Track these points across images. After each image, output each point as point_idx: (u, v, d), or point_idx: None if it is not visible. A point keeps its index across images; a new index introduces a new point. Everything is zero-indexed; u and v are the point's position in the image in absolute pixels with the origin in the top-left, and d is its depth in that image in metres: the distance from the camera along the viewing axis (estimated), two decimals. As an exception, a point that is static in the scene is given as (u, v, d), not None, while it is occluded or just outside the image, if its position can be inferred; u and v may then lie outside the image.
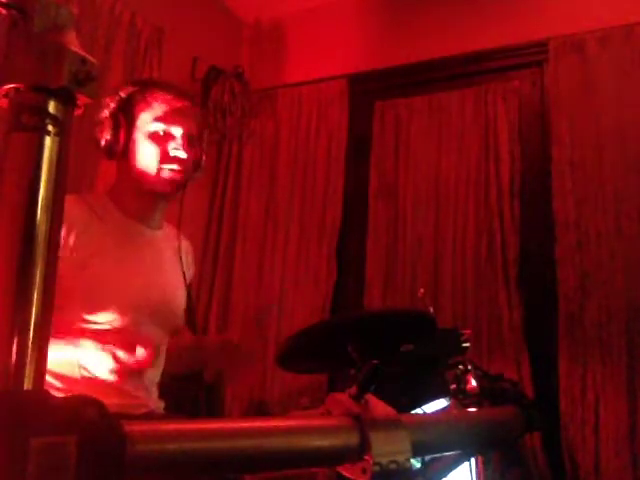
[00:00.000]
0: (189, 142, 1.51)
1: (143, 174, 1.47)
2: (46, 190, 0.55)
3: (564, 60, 2.64)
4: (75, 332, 1.34)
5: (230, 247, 3.15)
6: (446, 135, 2.86)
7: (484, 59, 2.86)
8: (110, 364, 1.32)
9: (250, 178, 3.22)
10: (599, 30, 2.59)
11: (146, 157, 1.46)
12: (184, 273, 1.58)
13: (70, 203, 1.40)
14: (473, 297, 2.63)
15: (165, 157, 1.47)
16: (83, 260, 1.36)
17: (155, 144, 1.46)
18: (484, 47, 2.83)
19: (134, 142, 1.46)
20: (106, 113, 1.46)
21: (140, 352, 1.31)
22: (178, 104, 1.50)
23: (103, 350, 1.31)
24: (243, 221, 3.17)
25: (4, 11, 0.55)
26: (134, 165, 1.47)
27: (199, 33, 3.07)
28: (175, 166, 1.48)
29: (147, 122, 1.46)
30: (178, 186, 1.50)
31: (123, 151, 1.45)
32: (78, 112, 0.59)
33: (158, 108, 1.47)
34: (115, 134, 1.44)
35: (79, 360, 1.35)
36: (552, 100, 2.65)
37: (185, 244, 1.66)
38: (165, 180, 1.48)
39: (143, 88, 1.49)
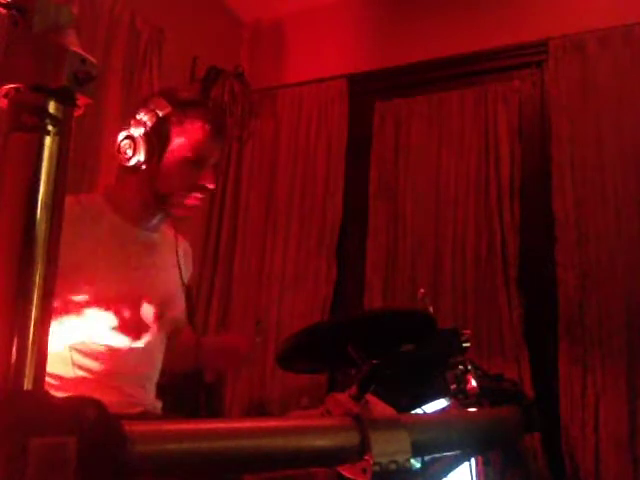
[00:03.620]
0: (215, 170, 1.51)
1: (166, 195, 1.46)
2: (46, 190, 0.55)
3: (564, 60, 2.64)
4: (77, 305, 1.30)
5: (230, 247, 3.15)
6: (446, 135, 2.86)
7: (484, 59, 2.86)
8: (113, 321, 1.25)
9: (250, 178, 3.22)
10: (599, 30, 2.59)
11: (175, 182, 1.45)
12: (182, 275, 1.57)
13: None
14: (473, 297, 2.62)
15: (193, 185, 1.47)
16: (74, 264, 1.32)
17: (184, 170, 1.45)
18: (484, 47, 2.83)
19: (163, 164, 1.44)
20: (141, 131, 1.41)
21: (146, 309, 1.25)
22: (215, 136, 1.48)
23: (107, 310, 1.24)
24: (243, 221, 3.17)
25: (4, 11, 0.55)
26: (158, 185, 1.45)
27: (199, 33, 3.06)
28: (200, 195, 1.49)
29: (180, 148, 1.44)
30: (195, 210, 1.52)
31: (147, 169, 1.43)
32: (78, 112, 0.59)
33: (194, 138, 1.45)
34: (149, 157, 1.41)
35: (73, 358, 1.35)
36: (552, 100, 2.65)
37: (183, 246, 1.65)
38: (187, 207, 1.49)
39: (181, 110, 1.45)
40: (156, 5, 2.74)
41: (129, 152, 1.41)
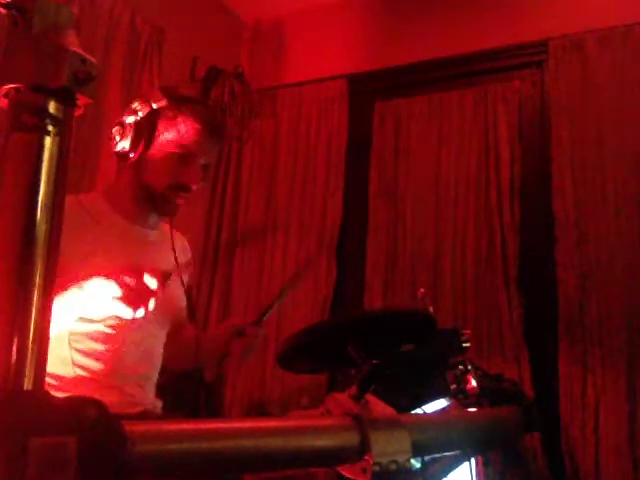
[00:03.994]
0: (203, 171, 1.50)
1: (150, 189, 1.46)
2: (46, 190, 0.55)
3: (564, 60, 2.64)
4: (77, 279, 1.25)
5: (230, 247, 3.15)
6: (446, 135, 2.86)
7: (484, 59, 2.86)
8: (116, 291, 1.18)
9: (250, 178, 3.22)
10: (599, 30, 2.59)
11: (159, 176, 1.45)
12: (180, 272, 1.56)
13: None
14: (473, 297, 2.62)
15: (177, 183, 1.46)
16: (78, 261, 1.32)
17: (170, 166, 1.45)
18: (484, 47, 2.83)
19: (150, 156, 1.44)
20: (131, 119, 1.42)
21: (148, 278, 1.20)
22: (206, 136, 1.46)
23: (109, 278, 1.19)
24: (243, 221, 3.17)
25: (4, 11, 0.55)
26: (143, 177, 1.46)
27: (199, 33, 3.06)
28: (184, 193, 1.48)
29: (169, 142, 1.44)
30: (178, 208, 1.51)
31: (136, 161, 1.43)
32: (78, 112, 0.59)
33: (185, 134, 1.44)
34: (134, 145, 1.41)
35: (73, 358, 1.34)
36: (552, 100, 2.65)
37: (181, 243, 1.65)
38: (170, 203, 1.48)
39: (176, 105, 1.44)
40: (156, 5, 2.74)
41: (117, 138, 1.42)
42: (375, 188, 2.96)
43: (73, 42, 0.58)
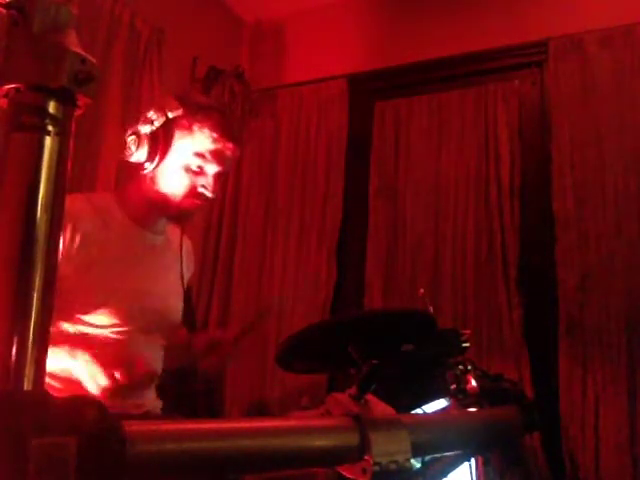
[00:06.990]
0: (218, 180, 1.49)
1: (166, 198, 1.46)
2: (46, 190, 0.55)
3: (564, 60, 2.64)
4: (72, 340, 1.32)
5: (230, 247, 3.15)
6: (446, 135, 2.86)
7: (484, 59, 2.86)
8: (105, 383, 1.23)
9: (250, 178, 3.22)
10: (599, 30, 2.59)
11: (175, 186, 1.45)
12: (183, 277, 1.57)
13: (77, 203, 1.40)
14: (473, 297, 2.62)
15: (193, 192, 1.46)
16: (86, 263, 1.36)
17: (186, 176, 1.44)
18: (484, 47, 2.84)
19: (166, 165, 1.43)
20: (147, 129, 1.40)
21: (136, 373, 1.27)
22: (222, 146, 1.45)
23: (102, 372, 1.24)
24: (243, 221, 3.17)
25: (4, 11, 0.55)
26: (159, 186, 1.45)
27: (199, 33, 3.06)
28: (198, 201, 1.48)
29: (185, 153, 1.43)
30: (193, 215, 1.52)
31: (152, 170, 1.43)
32: (78, 112, 0.59)
33: (200, 143, 1.43)
34: (151, 156, 1.40)
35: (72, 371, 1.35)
36: (552, 100, 2.65)
37: (186, 247, 1.66)
38: (186, 212, 1.49)
39: (192, 113, 1.43)
40: (156, 5, 2.74)
41: (132, 148, 1.41)
42: (375, 188, 2.97)
43: (73, 42, 0.57)
